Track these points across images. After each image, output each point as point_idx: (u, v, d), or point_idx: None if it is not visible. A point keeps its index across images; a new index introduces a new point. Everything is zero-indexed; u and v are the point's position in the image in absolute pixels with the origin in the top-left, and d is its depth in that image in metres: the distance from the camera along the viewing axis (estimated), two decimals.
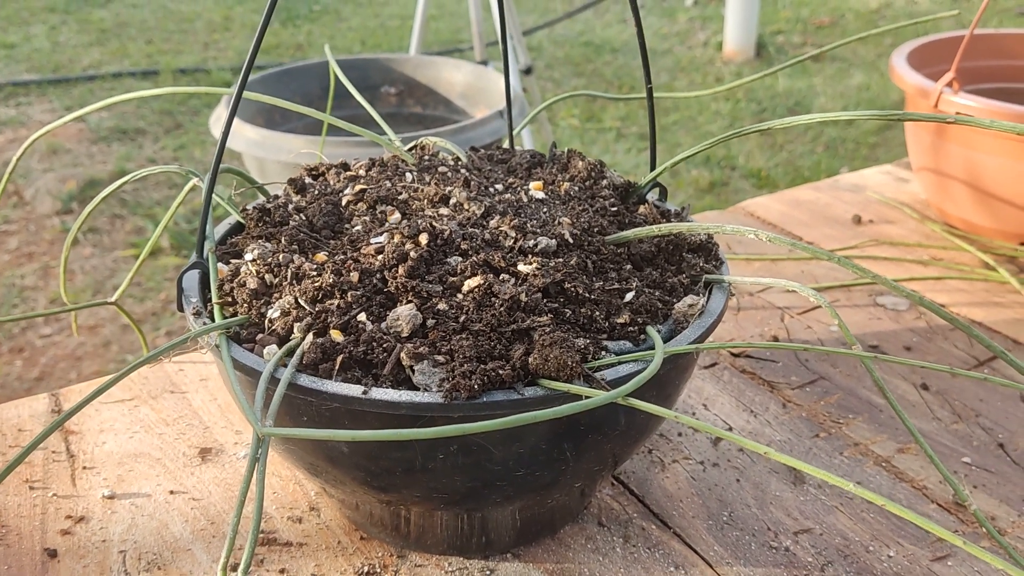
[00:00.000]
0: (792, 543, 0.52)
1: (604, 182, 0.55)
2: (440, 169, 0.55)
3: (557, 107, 2.94)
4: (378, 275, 0.45)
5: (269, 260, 0.46)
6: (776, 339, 0.71)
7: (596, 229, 0.50)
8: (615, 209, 0.52)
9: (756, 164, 2.57)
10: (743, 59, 3.31)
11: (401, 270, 0.44)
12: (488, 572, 0.50)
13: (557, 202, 0.52)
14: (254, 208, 0.52)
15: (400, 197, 0.52)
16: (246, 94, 0.50)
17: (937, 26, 3.03)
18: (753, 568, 0.50)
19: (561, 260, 0.46)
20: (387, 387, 0.41)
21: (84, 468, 0.57)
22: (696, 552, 0.52)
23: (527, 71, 1.95)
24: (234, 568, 0.49)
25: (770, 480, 0.57)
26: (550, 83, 3.11)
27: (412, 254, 0.45)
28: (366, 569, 0.50)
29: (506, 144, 0.63)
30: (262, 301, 0.45)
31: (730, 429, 0.62)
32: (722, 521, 0.54)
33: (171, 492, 0.55)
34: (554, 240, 0.47)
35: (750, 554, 0.51)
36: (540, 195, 0.53)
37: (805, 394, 0.65)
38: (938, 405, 0.64)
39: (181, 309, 0.47)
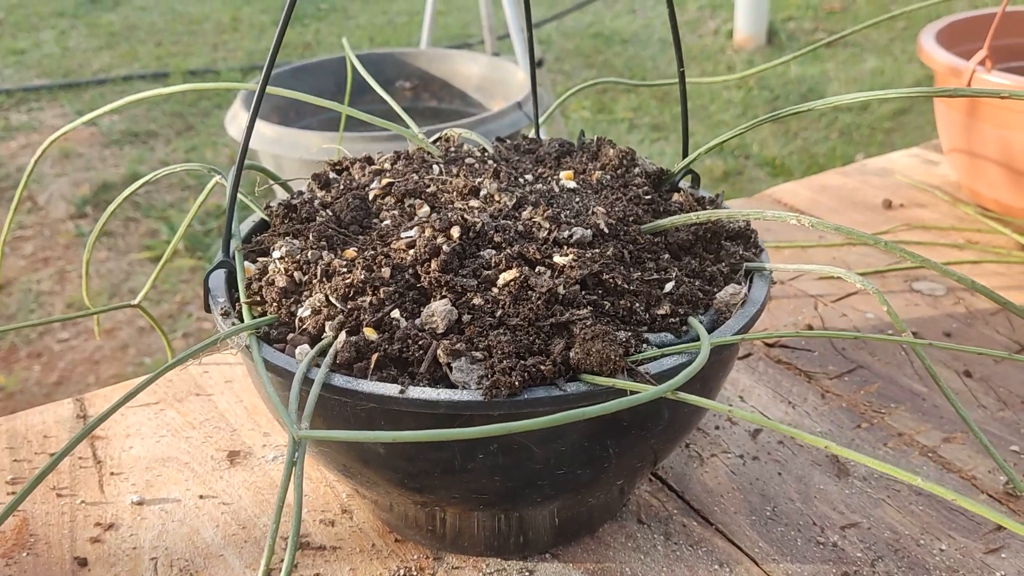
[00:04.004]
0: (840, 538, 0.51)
1: (636, 170, 0.54)
2: (467, 160, 0.54)
3: (568, 100, 2.92)
4: (410, 270, 0.43)
5: (297, 257, 0.45)
6: (811, 327, 0.70)
7: (631, 218, 0.48)
8: (649, 197, 0.51)
9: (770, 152, 2.55)
10: (754, 47, 3.28)
11: (434, 264, 0.43)
12: (527, 573, 0.49)
13: (589, 191, 0.51)
14: (279, 205, 0.51)
15: (428, 190, 0.50)
16: (268, 88, 0.49)
17: (950, 8, 3.00)
18: (801, 565, 0.49)
19: (597, 251, 0.45)
20: (424, 386, 0.39)
21: (112, 474, 0.56)
22: (740, 549, 0.50)
23: (538, 64, 1.93)
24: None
25: (813, 473, 0.55)
26: (560, 75, 3.09)
27: (444, 248, 0.44)
28: (402, 572, 0.49)
29: (531, 133, 0.61)
30: (292, 300, 0.44)
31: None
32: (765, 516, 0.52)
33: (200, 497, 0.54)
34: (589, 230, 0.46)
35: (796, 550, 0.50)
36: (572, 184, 0.51)
37: (844, 384, 0.63)
38: (982, 392, 0.62)
39: (208, 310, 0.45)
